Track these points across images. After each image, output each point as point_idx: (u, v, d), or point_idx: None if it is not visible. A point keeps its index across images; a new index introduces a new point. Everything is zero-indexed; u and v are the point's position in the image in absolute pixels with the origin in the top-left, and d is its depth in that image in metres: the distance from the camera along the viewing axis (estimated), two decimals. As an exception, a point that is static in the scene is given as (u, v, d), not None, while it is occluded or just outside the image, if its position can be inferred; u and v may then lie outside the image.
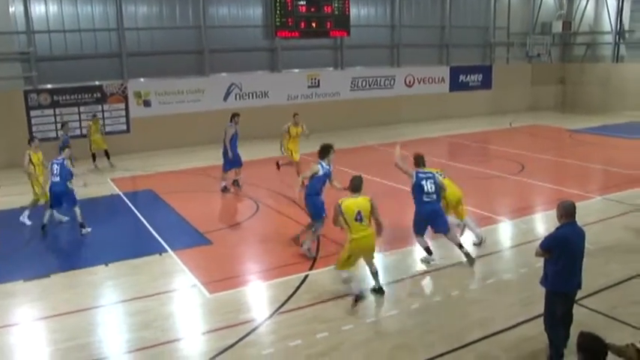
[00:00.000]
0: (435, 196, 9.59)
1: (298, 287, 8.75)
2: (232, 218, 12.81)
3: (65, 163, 11.98)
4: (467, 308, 8.03)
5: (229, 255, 10.59)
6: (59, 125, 19.55)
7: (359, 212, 7.91)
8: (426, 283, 9.15)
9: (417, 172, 9.73)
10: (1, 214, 13.56)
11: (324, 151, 10.25)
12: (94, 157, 19.23)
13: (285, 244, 10.89)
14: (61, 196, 12.01)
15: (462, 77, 30.35)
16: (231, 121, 15.49)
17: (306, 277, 9.09)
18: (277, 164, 16.43)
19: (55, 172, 11.88)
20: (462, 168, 17.31)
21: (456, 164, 17.87)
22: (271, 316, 7.90)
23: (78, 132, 20.80)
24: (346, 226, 8.00)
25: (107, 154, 19.61)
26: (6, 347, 7.34)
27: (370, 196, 8.18)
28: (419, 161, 9.97)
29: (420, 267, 9.73)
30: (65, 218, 12.80)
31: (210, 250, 10.79)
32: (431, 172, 9.79)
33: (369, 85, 27.57)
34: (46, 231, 11.92)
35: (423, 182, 9.56)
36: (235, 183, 15.68)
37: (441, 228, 9.73)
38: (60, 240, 12.15)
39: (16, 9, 20.52)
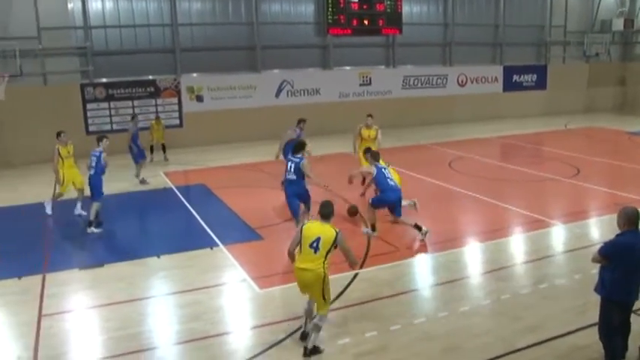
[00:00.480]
0: (394, 183, 11.07)
1: (348, 285, 8.69)
2: (283, 214, 12.78)
3: (102, 156, 11.96)
4: (518, 313, 7.82)
5: (280, 251, 10.56)
6: (129, 117, 20.01)
7: (318, 239, 6.65)
8: (477, 285, 8.96)
9: (376, 165, 11.22)
10: (60, 205, 13.92)
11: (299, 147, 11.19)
12: (151, 149, 19.66)
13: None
14: (91, 189, 12.05)
15: (515, 77, 29.74)
16: (297, 125, 14.97)
17: (356, 275, 9.03)
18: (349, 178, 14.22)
19: (92, 164, 11.99)
20: (515, 170, 16.95)
21: (508, 165, 17.52)
22: (320, 313, 7.86)
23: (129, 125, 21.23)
24: (298, 251, 6.84)
25: (164, 148, 20.03)
26: (61, 333, 7.53)
27: (339, 228, 6.86)
28: (376, 156, 11.47)
29: (472, 269, 9.56)
30: (83, 213, 12.99)
31: (261, 246, 10.85)
32: (384, 165, 11.42)
33: (421, 84, 27.29)
34: (100, 222, 12.16)
35: (384, 171, 11.10)
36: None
37: (399, 213, 11.05)
38: (114, 231, 12.40)
39: (74, 5, 21.13)
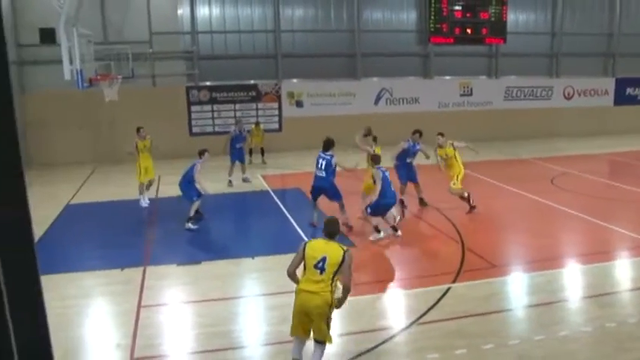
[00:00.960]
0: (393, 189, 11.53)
1: (440, 299, 8.50)
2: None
3: (196, 167, 12.20)
4: (624, 344, 7.33)
5: (371, 259, 10.57)
6: (233, 120, 20.74)
7: (324, 259, 6.05)
8: (577, 310, 8.50)
9: (379, 168, 11.37)
10: (163, 201, 14.56)
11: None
12: (250, 152, 20.21)
13: (428, 254, 10.70)
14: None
15: (629, 90, 28.07)
16: (412, 135, 14.56)
17: (449, 289, 8.83)
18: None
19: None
20: (624, 189, 15.98)
21: (617, 184, 16.58)
22: (410, 325, 7.74)
23: (233, 127, 21.91)
24: (302, 272, 6.23)
25: (262, 152, 20.57)
26: (157, 324, 7.84)
27: (346, 247, 6.32)
28: (377, 160, 11.71)
29: (571, 292, 9.09)
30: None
31: (353, 252, 10.74)
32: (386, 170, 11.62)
33: (524, 96, 26.39)
34: (200, 218, 12.58)
35: (387, 174, 11.37)
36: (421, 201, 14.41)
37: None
38: (211, 230, 12.79)
39: (183, 11, 22.11)
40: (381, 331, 7.55)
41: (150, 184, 14.75)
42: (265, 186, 16.67)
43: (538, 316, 8.08)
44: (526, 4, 25.99)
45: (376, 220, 11.49)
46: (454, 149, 13.77)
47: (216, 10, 22.62)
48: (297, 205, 14.53)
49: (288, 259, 10.33)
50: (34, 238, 2.86)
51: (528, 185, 15.75)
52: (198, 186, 12.15)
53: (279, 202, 14.77)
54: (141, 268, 9.84)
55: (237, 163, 17.05)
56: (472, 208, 13.24)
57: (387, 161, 13.43)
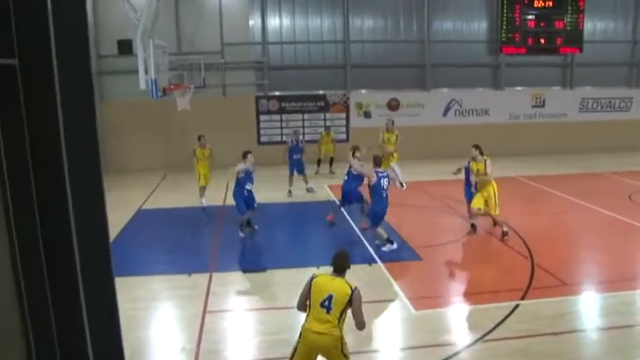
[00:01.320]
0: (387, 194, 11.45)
1: (507, 316, 8.24)
2: (444, 236, 12.54)
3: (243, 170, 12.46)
4: None
5: (438, 273, 10.38)
6: (290, 131, 20.94)
7: (330, 297, 5.54)
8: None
9: (377, 172, 11.33)
10: (230, 209, 14.76)
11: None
12: (318, 162, 20.30)
13: (496, 269, 10.42)
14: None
15: None
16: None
17: (517, 306, 8.55)
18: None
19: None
20: None
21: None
22: (475, 342, 7.53)
23: (300, 137, 22.13)
24: (308, 309, 5.69)
25: (331, 161, 20.62)
26: (222, 330, 7.94)
27: (355, 284, 5.75)
28: (378, 162, 11.60)
29: (651, 313, 8.62)
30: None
31: (419, 266, 10.67)
32: (386, 171, 11.61)
33: (601, 107, 25.40)
34: (253, 226, 12.74)
35: (383, 180, 11.29)
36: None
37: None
38: (277, 238, 12.90)
39: (255, 22, 22.51)
40: (445, 346, 7.38)
41: (204, 190, 15.57)
42: (331, 196, 16.67)
43: (611, 339, 7.70)
44: (605, 12, 25.02)
45: (383, 231, 11.53)
46: (396, 137, 14.00)
47: (286, 21, 22.92)
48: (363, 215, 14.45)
49: (353, 270, 10.14)
50: (109, 240, 2.93)
51: (603, 200, 15.11)
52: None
53: (344, 212, 14.71)
54: (207, 274, 10.00)
55: (296, 173, 17.11)
56: (472, 229, 12.64)
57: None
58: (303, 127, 22.82)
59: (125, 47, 17.46)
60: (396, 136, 17.23)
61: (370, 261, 10.81)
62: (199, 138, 15.48)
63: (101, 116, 21.71)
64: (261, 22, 22.55)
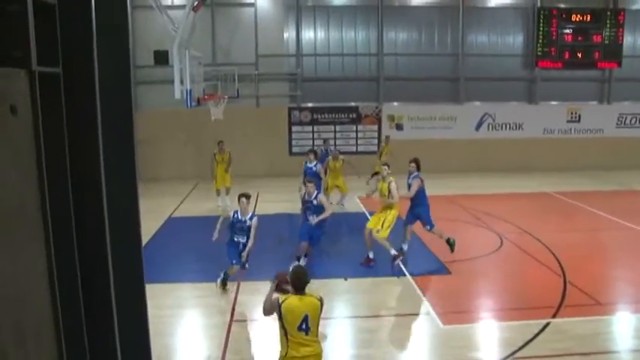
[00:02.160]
0: None
1: (538, 334, 8.09)
2: (474, 250, 12.41)
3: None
4: None
5: (467, 288, 10.26)
6: (321, 141, 20.98)
7: (305, 318, 5.36)
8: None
9: (418, 175, 11.56)
10: (261, 218, 14.82)
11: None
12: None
13: (526, 285, 10.26)
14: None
15: None
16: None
17: (548, 324, 8.40)
18: None
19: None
20: None
21: None
22: (504, 359, 7.42)
23: (332, 149, 22.19)
24: (282, 337, 5.43)
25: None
26: (245, 340, 7.98)
27: (321, 294, 5.70)
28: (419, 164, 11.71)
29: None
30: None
31: (448, 280, 10.57)
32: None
33: (640, 123, 24.86)
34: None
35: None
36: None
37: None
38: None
39: (289, 35, 22.70)
40: (474, 363, 7.29)
41: (227, 191, 16.65)
42: (361, 208, 16.64)
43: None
44: (645, 27, 24.57)
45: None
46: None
47: (320, 34, 23.07)
48: (394, 229, 14.36)
49: (380, 282, 10.35)
50: (142, 246, 2.98)
51: (638, 218, 14.78)
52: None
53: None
54: (235, 283, 10.06)
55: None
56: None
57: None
58: (335, 138, 22.88)
59: (161, 58, 17.71)
60: (342, 161, 16.47)
61: (398, 274, 10.74)
62: (219, 143, 16.75)
63: (135, 125, 22.07)
64: (296, 35, 22.74)
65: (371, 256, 11.31)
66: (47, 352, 2.06)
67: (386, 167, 11.67)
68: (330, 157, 16.61)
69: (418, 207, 11.59)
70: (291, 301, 5.40)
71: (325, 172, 15.78)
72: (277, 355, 5.49)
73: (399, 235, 11.59)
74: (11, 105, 1.83)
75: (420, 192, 11.66)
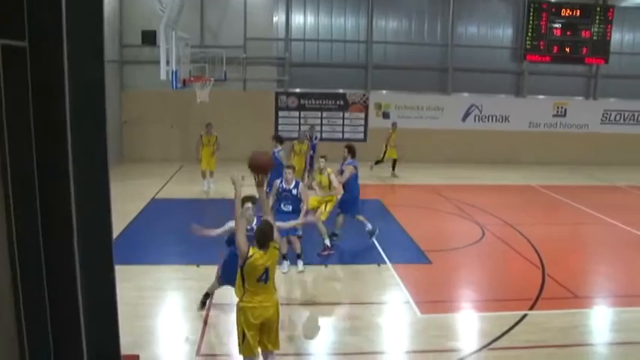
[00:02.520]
0: None
1: (515, 325, 8.15)
2: (456, 241, 12.45)
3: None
4: None
5: (447, 278, 10.31)
6: (307, 127, 20.86)
7: (266, 270, 5.67)
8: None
9: (352, 162, 11.40)
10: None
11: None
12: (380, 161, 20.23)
13: (506, 277, 10.32)
14: None
15: None
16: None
17: (525, 316, 8.46)
18: None
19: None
20: None
21: None
22: (480, 349, 7.47)
23: (318, 135, 22.21)
24: (240, 285, 5.74)
25: (394, 164, 20.26)
26: (225, 324, 7.92)
27: (276, 244, 5.83)
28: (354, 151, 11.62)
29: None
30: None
31: (428, 270, 10.61)
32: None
33: (624, 120, 25.05)
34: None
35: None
36: None
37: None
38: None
39: (279, 19, 22.56)
40: (450, 352, 7.34)
41: (211, 174, 16.47)
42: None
43: (621, 356, 7.58)
44: (633, 23, 24.62)
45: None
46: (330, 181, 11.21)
47: (310, 19, 22.92)
48: (375, 217, 14.35)
49: (361, 270, 10.37)
50: (112, 232, 2.90)
51: (622, 214, 14.91)
52: None
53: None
54: (216, 266, 10.01)
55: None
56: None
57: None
58: (322, 124, 22.84)
59: (149, 38, 17.51)
60: (307, 146, 16.19)
61: (379, 262, 10.76)
62: (207, 125, 16.54)
63: (121, 105, 21.91)
64: (285, 19, 22.57)
65: (328, 243, 10.98)
66: (8, 334, 2.02)
67: (323, 159, 11.33)
68: (296, 140, 16.35)
69: (345, 194, 11.26)
70: (257, 257, 5.61)
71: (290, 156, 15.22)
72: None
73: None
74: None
75: (352, 180, 11.52)
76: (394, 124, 20.48)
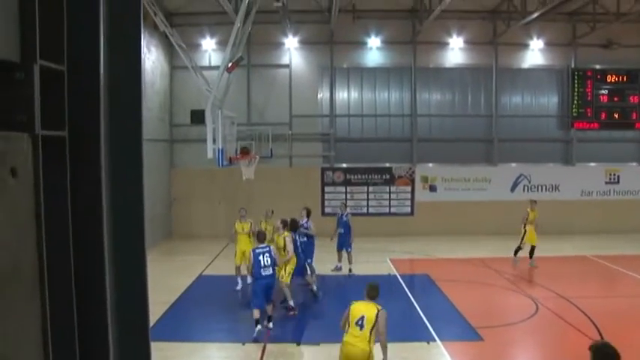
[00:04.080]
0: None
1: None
2: (508, 316, 12.02)
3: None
4: None
5: (500, 356, 9.90)
6: (363, 202, 20.88)
7: (362, 317, 7.23)
8: None
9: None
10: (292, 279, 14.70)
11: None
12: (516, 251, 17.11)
13: (563, 355, 9.82)
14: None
15: None
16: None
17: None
18: None
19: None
20: None
21: None
22: None
23: (365, 210, 22.30)
24: (346, 328, 7.36)
25: (532, 252, 16.81)
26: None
27: (380, 306, 7.36)
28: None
29: None
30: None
31: (480, 347, 10.21)
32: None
33: (682, 185, 24.16)
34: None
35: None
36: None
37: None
38: (334, 311, 12.65)
39: (323, 95, 23.07)
40: None
41: (248, 269, 12.73)
42: (393, 270, 16.39)
43: None
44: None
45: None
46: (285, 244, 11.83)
47: (354, 95, 23.35)
48: (424, 292, 14.12)
49: (410, 347, 10.04)
50: (149, 323, 2.86)
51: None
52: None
53: (405, 287, 14.40)
54: (261, 345, 9.89)
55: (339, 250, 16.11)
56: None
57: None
58: (368, 199, 22.85)
59: (197, 117, 18.10)
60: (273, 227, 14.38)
61: (429, 339, 10.43)
62: (239, 210, 15.07)
63: (171, 182, 22.46)
64: (330, 95, 23.05)
65: (292, 304, 11.80)
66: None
67: (280, 225, 12.38)
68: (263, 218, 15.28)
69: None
70: (359, 303, 7.46)
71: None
72: None
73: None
74: (12, 167, 1.84)
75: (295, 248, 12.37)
76: (533, 202, 17.82)
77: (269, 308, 10.87)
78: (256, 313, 10.35)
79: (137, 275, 2.54)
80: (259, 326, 10.27)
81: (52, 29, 1.92)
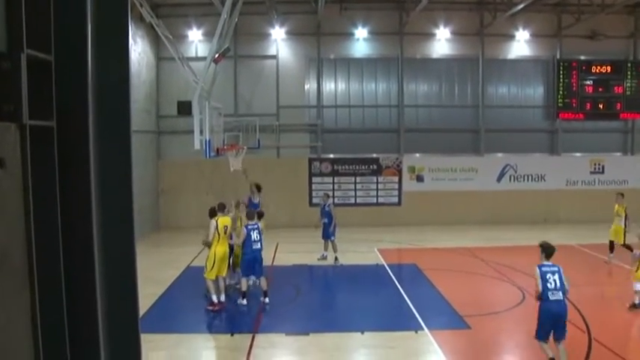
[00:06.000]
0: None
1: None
2: (495, 305, 12.12)
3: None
4: None
5: (487, 344, 9.99)
6: (351, 192, 20.86)
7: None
8: None
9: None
10: (277, 269, 14.74)
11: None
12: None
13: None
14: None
15: None
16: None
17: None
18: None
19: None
20: None
21: None
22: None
23: (352, 200, 22.34)
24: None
25: (612, 246, 16.40)
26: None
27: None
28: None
29: None
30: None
31: (467, 335, 10.30)
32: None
33: (666, 174, 24.43)
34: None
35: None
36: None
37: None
38: (323, 301, 12.73)
39: (310, 86, 23.05)
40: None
41: (224, 281, 11.94)
42: (381, 260, 16.46)
43: None
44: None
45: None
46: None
47: (341, 85, 23.34)
48: (411, 281, 14.20)
49: (398, 337, 10.11)
50: (138, 312, 2.86)
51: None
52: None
53: (393, 277, 14.48)
54: (250, 335, 9.91)
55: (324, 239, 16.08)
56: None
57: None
58: (355, 189, 22.90)
59: (184, 108, 17.97)
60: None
61: (417, 328, 10.50)
62: (218, 205, 12.76)
63: (158, 174, 22.37)
64: (317, 86, 23.03)
65: (214, 299, 11.56)
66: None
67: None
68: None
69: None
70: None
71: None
72: None
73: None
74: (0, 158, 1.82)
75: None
76: (621, 196, 17.36)
77: (263, 282, 11.79)
78: (244, 284, 11.73)
79: (126, 266, 2.54)
80: (244, 300, 11.52)
81: (39, 18, 1.90)
